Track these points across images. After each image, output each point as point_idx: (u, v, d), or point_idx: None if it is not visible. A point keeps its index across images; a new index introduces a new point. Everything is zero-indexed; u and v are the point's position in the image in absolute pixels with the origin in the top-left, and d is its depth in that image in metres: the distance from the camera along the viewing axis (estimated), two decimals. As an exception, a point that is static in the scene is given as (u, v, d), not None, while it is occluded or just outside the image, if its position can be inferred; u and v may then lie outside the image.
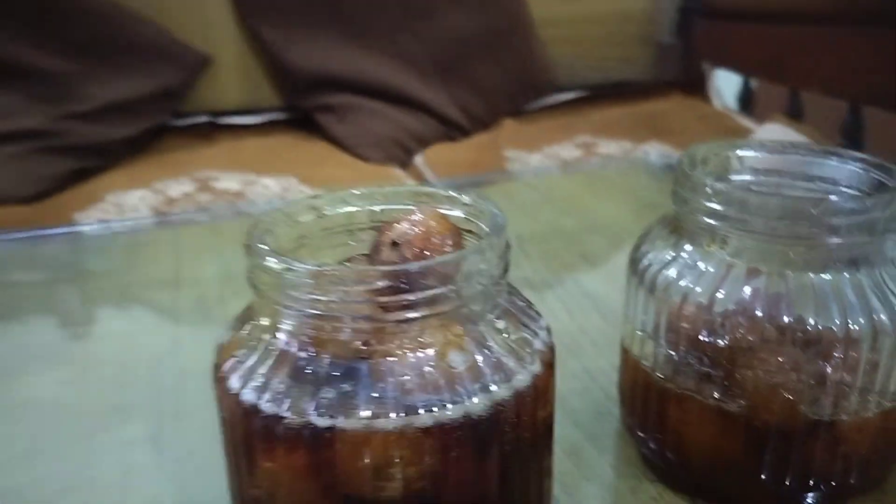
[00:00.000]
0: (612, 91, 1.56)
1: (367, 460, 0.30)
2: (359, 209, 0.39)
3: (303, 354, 0.31)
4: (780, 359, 0.38)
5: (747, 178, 0.43)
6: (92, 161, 1.25)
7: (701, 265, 0.40)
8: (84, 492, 0.44)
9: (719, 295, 0.38)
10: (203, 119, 1.43)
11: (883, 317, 0.37)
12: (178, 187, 1.14)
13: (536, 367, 0.34)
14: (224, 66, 1.46)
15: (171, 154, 1.33)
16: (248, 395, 0.32)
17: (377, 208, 0.39)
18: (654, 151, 1.31)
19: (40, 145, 1.29)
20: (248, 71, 1.48)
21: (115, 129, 1.34)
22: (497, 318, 0.34)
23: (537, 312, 0.37)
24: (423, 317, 0.31)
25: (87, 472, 0.45)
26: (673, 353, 0.41)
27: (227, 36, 1.48)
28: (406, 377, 0.31)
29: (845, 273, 0.38)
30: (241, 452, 0.33)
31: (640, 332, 0.43)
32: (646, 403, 0.43)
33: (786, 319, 0.37)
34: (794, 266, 0.38)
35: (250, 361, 0.32)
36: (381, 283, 0.30)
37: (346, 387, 0.31)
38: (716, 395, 0.39)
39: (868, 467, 0.40)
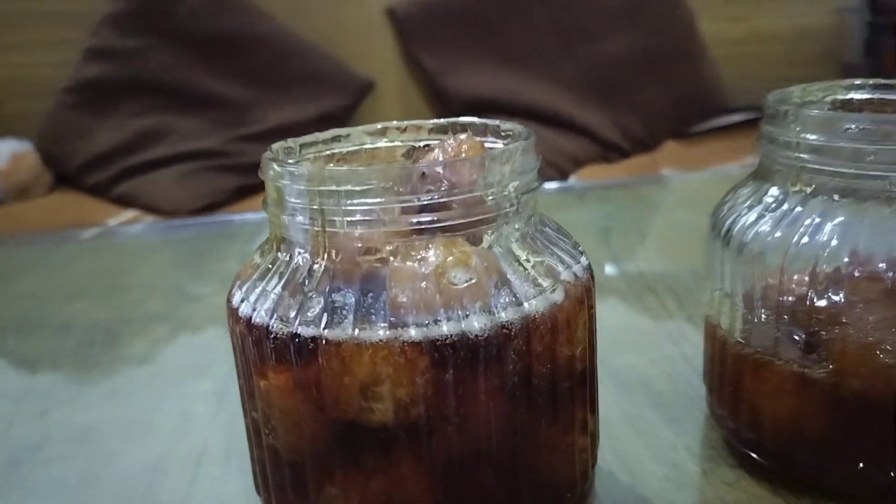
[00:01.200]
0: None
1: (352, 377, 0.28)
2: (399, 143, 0.37)
3: (300, 263, 0.30)
4: (876, 314, 0.32)
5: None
6: (256, 179, 1.32)
7: (785, 207, 0.34)
8: (143, 431, 0.45)
9: (804, 240, 0.33)
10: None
11: None
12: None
13: (558, 297, 0.30)
14: (385, 92, 1.51)
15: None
16: (244, 309, 0.30)
17: (417, 143, 0.37)
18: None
19: (213, 164, 1.39)
20: (407, 96, 1.52)
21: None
22: (516, 242, 0.31)
23: (577, 247, 0.33)
24: (429, 227, 0.29)
25: (150, 416, 0.46)
26: (750, 311, 0.35)
27: (389, 62, 1.53)
28: (400, 290, 0.28)
29: None
30: (242, 371, 0.32)
31: (717, 292, 0.38)
32: (723, 374, 0.38)
33: (883, 266, 0.31)
34: None
35: (252, 278, 0.31)
36: (380, 185, 0.28)
37: (338, 298, 0.29)
38: (796, 358, 0.33)
39: None
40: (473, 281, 0.29)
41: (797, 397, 0.34)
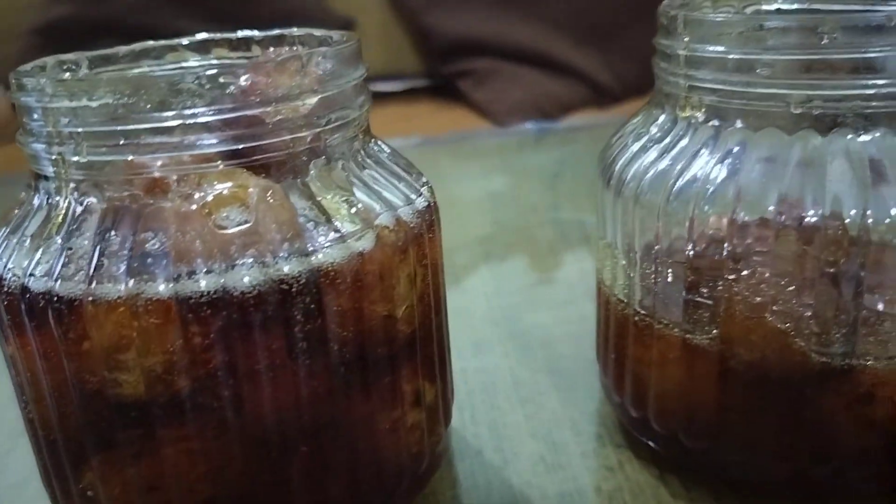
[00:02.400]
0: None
1: (91, 342, 0.23)
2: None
3: (41, 203, 0.24)
4: (767, 268, 0.26)
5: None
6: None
7: (669, 138, 0.28)
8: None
9: (685, 177, 0.27)
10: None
11: None
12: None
13: (364, 245, 0.24)
14: (367, 32, 1.44)
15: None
16: (-11, 258, 0.25)
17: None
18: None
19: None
20: (390, 36, 1.44)
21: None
22: (318, 176, 0.25)
23: (419, 184, 0.28)
24: (196, 154, 0.23)
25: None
26: (630, 264, 0.29)
27: (369, 0, 1.45)
28: (151, 234, 0.23)
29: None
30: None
31: (602, 242, 0.31)
32: (607, 339, 0.32)
33: (778, 208, 0.25)
34: (805, 123, 0.25)
35: (3, 224, 0.26)
36: (124, 100, 0.23)
37: (75, 244, 0.23)
38: (679, 321, 0.28)
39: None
40: (248, 224, 0.23)
41: (683, 369, 0.28)
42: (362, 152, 0.27)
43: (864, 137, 0.24)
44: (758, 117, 0.26)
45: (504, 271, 0.51)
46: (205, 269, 0.22)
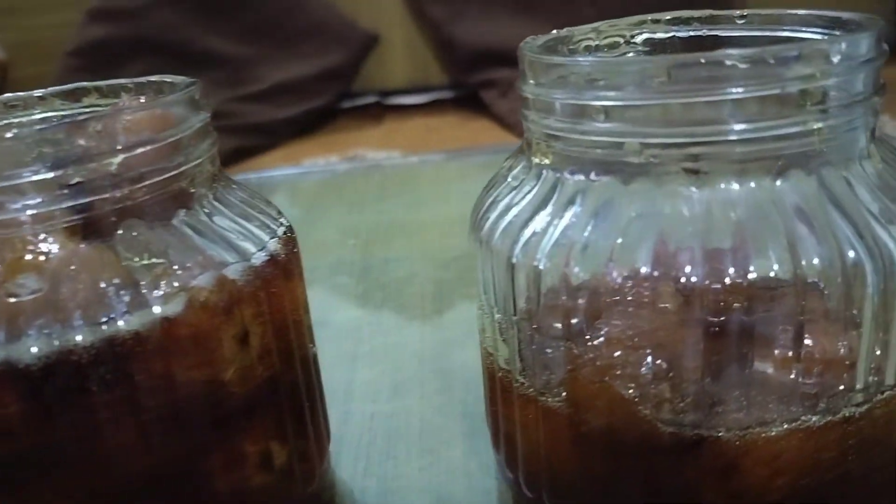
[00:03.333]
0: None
1: None
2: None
3: None
4: (608, 329, 0.24)
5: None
6: (254, 140, 1.27)
7: (524, 187, 0.26)
8: None
9: (531, 230, 0.25)
10: (371, 99, 1.41)
11: (854, 251, 0.22)
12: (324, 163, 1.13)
13: (173, 309, 0.23)
14: (392, 45, 1.44)
15: (333, 135, 1.32)
16: None
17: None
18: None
19: (213, 125, 1.34)
20: (415, 49, 1.44)
21: (280, 110, 1.36)
22: (124, 236, 0.24)
23: (265, 234, 0.27)
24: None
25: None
26: (491, 317, 0.27)
27: (394, 14, 1.45)
28: (-58, 304, 0.22)
29: (777, 180, 0.23)
30: None
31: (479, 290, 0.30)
32: (486, 397, 0.30)
33: (615, 267, 0.23)
34: (643, 173, 0.23)
35: None
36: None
37: None
38: (534, 382, 0.26)
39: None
40: (40, 293, 0.22)
41: (543, 433, 0.26)
42: (202, 205, 0.26)
43: (695, 191, 0.22)
44: (598, 165, 0.24)
45: (460, 299, 0.49)
46: (-5, 340, 0.22)
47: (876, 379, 0.24)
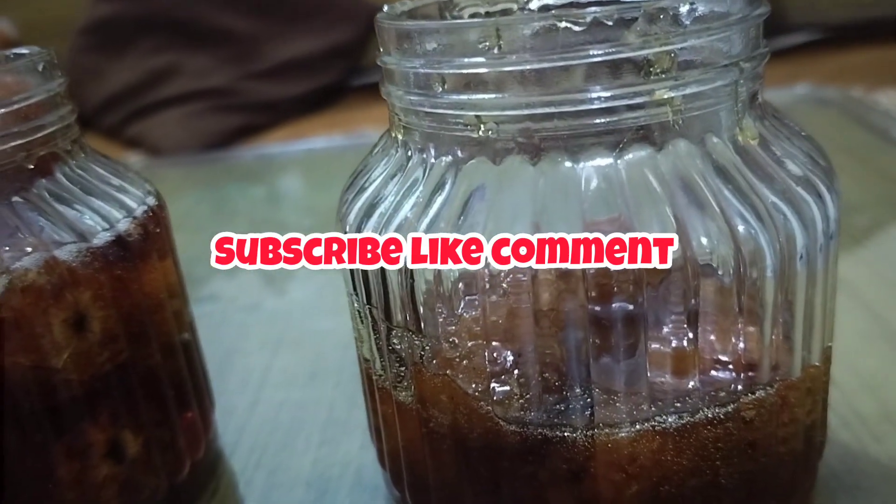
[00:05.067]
0: (856, 33, 1.24)
1: None
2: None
3: None
4: (459, 319, 0.22)
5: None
6: (260, 118, 1.27)
7: (379, 170, 0.24)
8: None
9: (382, 210, 0.23)
10: (380, 77, 1.39)
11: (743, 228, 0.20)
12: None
13: (-11, 292, 0.22)
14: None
15: (340, 113, 1.31)
16: None
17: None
18: (889, 98, 1.00)
19: (219, 103, 1.34)
20: (423, 25, 1.42)
21: (287, 88, 1.35)
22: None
23: (119, 211, 0.25)
24: None
25: None
26: (353, 304, 0.26)
27: (403, -11, 1.43)
28: None
29: (635, 152, 0.20)
30: None
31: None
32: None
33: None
34: (478, 148, 0.21)
35: None
36: None
37: None
38: (390, 375, 0.24)
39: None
40: None
41: (399, 427, 0.25)
42: (47, 182, 0.25)
43: (538, 169, 0.20)
44: (444, 141, 0.22)
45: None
46: None
47: (745, 377, 0.21)
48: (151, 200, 0.27)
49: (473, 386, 0.22)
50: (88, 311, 0.24)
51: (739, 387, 0.21)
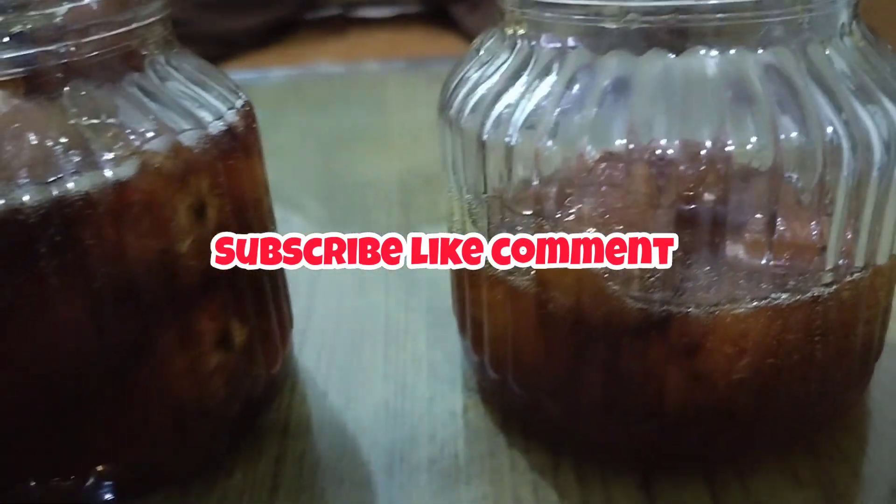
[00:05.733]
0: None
1: None
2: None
3: None
4: (581, 205, 0.23)
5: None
6: (212, 50, 1.23)
7: (498, 60, 0.25)
8: None
9: (502, 104, 0.24)
10: (334, 12, 1.37)
11: (833, 128, 0.21)
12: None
13: (125, 172, 0.22)
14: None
15: (293, 47, 1.28)
16: None
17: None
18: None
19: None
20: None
21: (240, 20, 1.31)
22: (72, 95, 0.22)
23: (223, 104, 0.25)
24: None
25: None
26: (460, 198, 0.27)
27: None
28: None
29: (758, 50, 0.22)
30: None
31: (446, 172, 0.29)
32: (452, 280, 0.29)
33: (591, 141, 0.22)
34: (622, 41, 0.22)
35: None
36: None
37: None
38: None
39: (751, 407, 0.24)
40: (-19, 148, 0.21)
41: (509, 313, 0.26)
42: (154, 69, 0.24)
43: (673, 59, 0.21)
44: (575, 32, 0.23)
45: (425, 206, 0.48)
46: (-69, 198, 0.20)
47: (845, 262, 0.23)
48: (243, 95, 0.27)
49: (598, 268, 0.23)
50: (207, 199, 0.24)
51: (840, 272, 0.23)
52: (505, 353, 0.27)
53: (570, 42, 0.23)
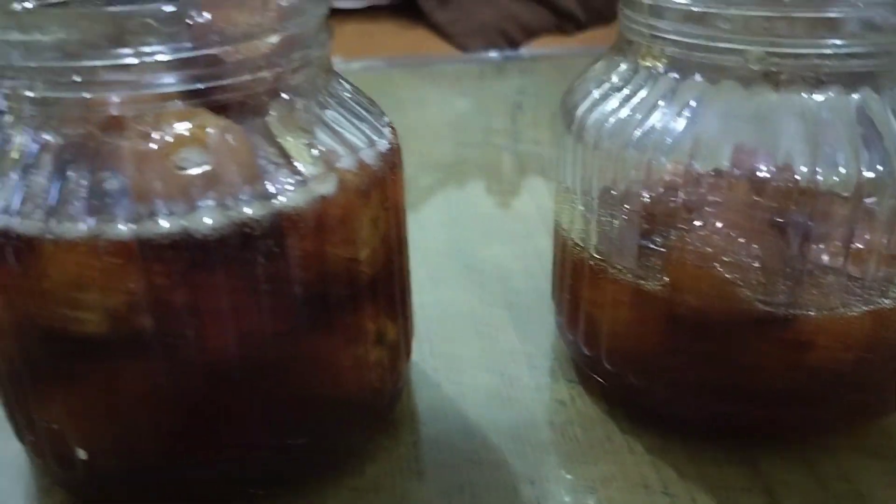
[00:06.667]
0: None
1: (51, 282, 0.23)
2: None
3: (-5, 137, 0.24)
4: (719, 219, 0.27)
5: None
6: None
7: (631, 87, 0.28)
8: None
9: (644, 127, 0.27)
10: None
11: None
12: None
13: (327, 188, 0.24)
14: (327, -56, 1.39)
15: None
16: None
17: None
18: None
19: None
20: (352, -51, 1.40)
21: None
22: (279, 116, 0.25)
23: (381, 125, 0.28)
24: (156, 92, 0.23)
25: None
26: (588, 210, 0.30)
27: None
28: (110, 174, 0.23)
29: (853, 94, 0.25)
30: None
31: (561, 185, 0.32)
32: (563, 280, 0.33)
33: (732, 160, 0.26)
34: (768, 81, 0.26)
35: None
36: (78, 35, 0.22)
37: (30, 179, 0.23)
38: (633, 267, 0.28)
39: (848, 393, 0.28)
40: (208, 167, 0.23)
41: (634, 312, 0.29)
42: (324, 92, 0.27)
43: (818, 97, 0.25)
44: (716, 71, 0.26)
45: (460, 202, 0.51)
46: (166, 211, 0.22)
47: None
48: (387, 117, 0.30)
49: (735, 275, 0.26)
50: (379, 213, 0.27)
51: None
52: (625, 349, 0.30)
53: (711, 77, 0.26)
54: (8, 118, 0.24)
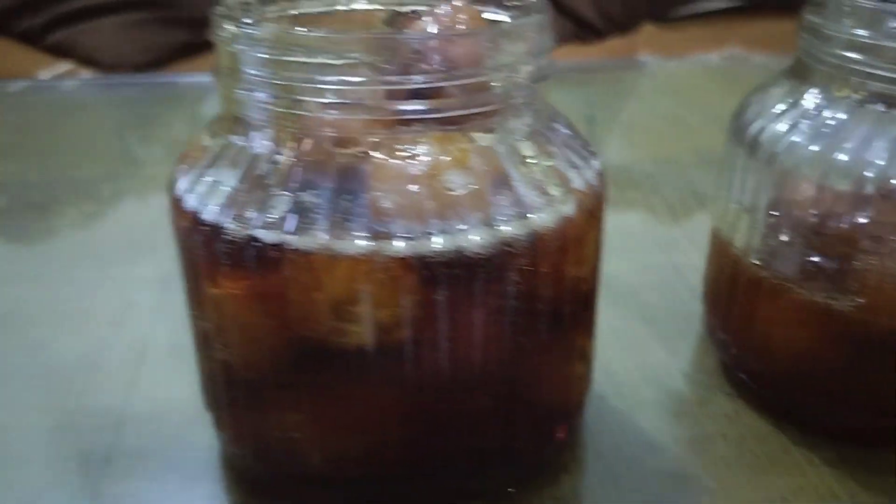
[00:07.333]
0: (776, 2, 1.38)
1: (324, 293, 0.23)
2: (379, 6, 0.31)
3: (260, 151, 0.25)
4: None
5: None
6: (202, 35, 1.21)
7: (827, 115, 0.29)
8: (81, 319, 0.40)
9: (847, 156, 0.28)
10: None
11: None
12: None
13: (569, 209, 0.25)
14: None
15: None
16: (191, 202, 0.25)
17: (401, 7, 0.31)
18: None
19: (160, 15, 1.27)
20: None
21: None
22: (524, 139, 0.26)
23: (588, 148, 0.28)
24: (422, 117, 0.24)
25: (84, 302, 0.41)
26: (773, 231, 0.31)
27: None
28: (385, 193, 0.23)
29: None
30: (188, 273, 0.27)
31: (734, 205, 0.33)
32: (731, 296, 0.34)
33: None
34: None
35: (201, 164, 0.26)
36: (362, 59, 0.23)
37: (308, 197, 0.23)
38: (822, 288, 0.30)
39: None
40: (474, 187, 0.24)
41: (817, 331, 0.30)
42: (548, 116, 0.28)
43: None
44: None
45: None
46: (439, 230, 0.23)
47: None
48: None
49: (933, 298, 0.28)
50: (599, 232, 0.28)
51: None
52: (804, 367, 0.31)
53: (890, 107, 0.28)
54: (266, 133, 0.24)
